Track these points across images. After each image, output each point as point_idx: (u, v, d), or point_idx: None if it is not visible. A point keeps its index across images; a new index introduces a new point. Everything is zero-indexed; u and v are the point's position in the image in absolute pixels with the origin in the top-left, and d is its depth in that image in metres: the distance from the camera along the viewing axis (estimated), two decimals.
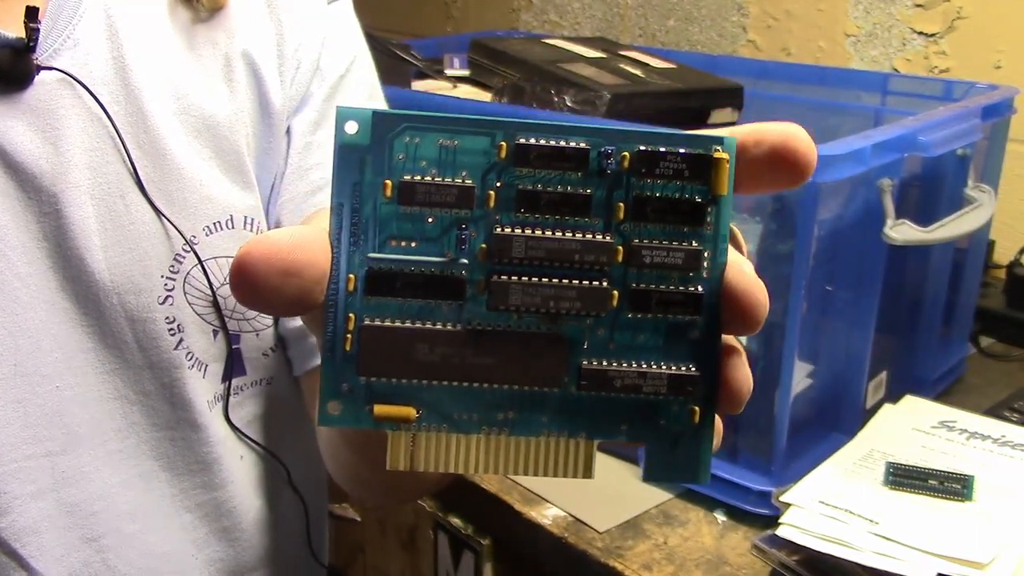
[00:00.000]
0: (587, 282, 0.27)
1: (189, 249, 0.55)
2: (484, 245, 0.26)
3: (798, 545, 0.63)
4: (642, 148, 0.26)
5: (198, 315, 0.56)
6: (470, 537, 0.80)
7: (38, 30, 0.51)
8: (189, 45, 0.56)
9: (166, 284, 0.55)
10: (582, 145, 0.26)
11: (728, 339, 0.28)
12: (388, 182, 0.26)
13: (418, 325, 0.27)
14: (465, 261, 0.27)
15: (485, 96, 1.00)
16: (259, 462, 0.63)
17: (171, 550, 0.59)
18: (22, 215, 0.52)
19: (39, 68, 0.51)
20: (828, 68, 1.13)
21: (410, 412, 0.27)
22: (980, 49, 1.11)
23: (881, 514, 0.63)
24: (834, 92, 1.00)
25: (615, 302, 0.27)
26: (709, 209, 0.27)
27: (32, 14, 0.51)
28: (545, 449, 0.28)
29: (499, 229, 0.26)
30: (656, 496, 0.74)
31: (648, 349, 0.27)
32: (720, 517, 0.71)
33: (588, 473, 0.28)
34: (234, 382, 0.60)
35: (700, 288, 0.27)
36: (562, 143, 0.26)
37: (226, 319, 0.58)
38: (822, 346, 0.75)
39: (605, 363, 0.27)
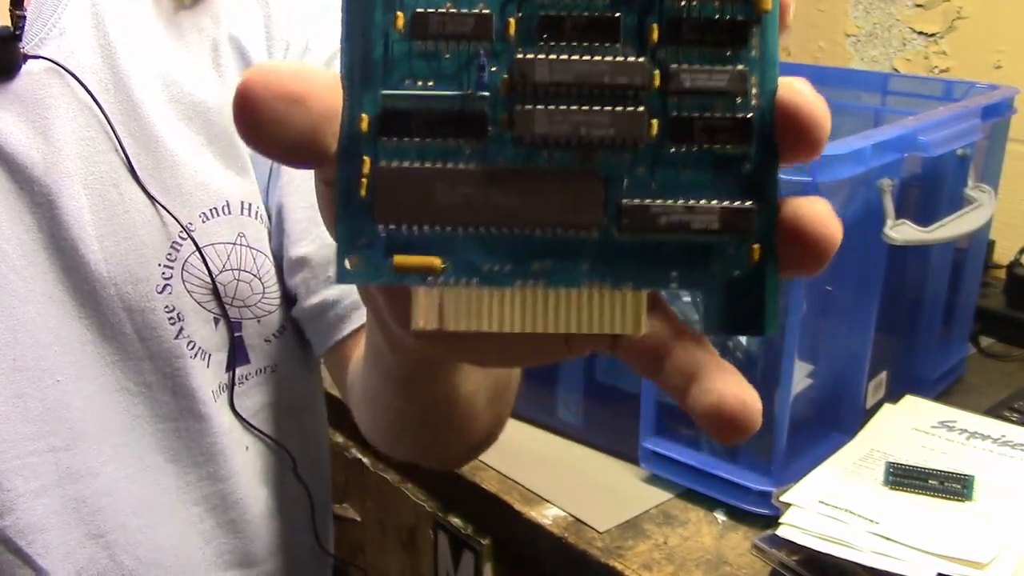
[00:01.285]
0: (621, 107, 0.24)
1: (186, 236, 0.55)
2: (506, 76, 0.24)
3: (798, 545, 0.63)
4: None
5: (198, 303, 0.56)
6: (470, 537, 0.80)
7: (24, 18, 0.50)
8: (176, 33, 0.56)
9: (164, 273, 0.55)
10: None
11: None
12: (400, 14, 0.24)
13: (439, 166, 0.24)
14: (486, 94, 0.24)
15: None
16: (265, 452, 0.63)
17: (178, 544, 0.59)
18: (15, 206, 0.51)
19: (26, 57, 0.51)
20: (828, 68, 1.13)
21: (434, 261, 0.24)
22: (980, 49, 1.11)
23: (881, 514, 0.63)
24: (834, 92, 1.00)
25: (654, 131, 0.24)
26: (753, 29, 0.24)
27: (18, 2, 0.50)
28: (588, 302, 0.25)
29: (522, 55, 0.24)
30: (656, 496, 0.74)
31: (695, 186, 0.24)
32: (720, 517, 0.71)
33: (637, 327, 0.25)
34: (238, 371, 0.59)
35: (749, 114, 0.24)
36: None
37: (227, 307, 0.57)
38: (822, 346, 0.75)
39: (648, 201, 0.24)
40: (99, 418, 0.55)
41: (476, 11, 0.24)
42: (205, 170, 0.56)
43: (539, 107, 0.24)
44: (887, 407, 0.79)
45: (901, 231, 0.70)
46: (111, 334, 0.54)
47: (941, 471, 0.67)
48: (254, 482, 0.62)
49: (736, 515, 0.71)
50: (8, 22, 0.50)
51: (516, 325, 0.25)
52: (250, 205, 0.57)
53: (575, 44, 0.24)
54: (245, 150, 0.57)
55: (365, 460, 0.94)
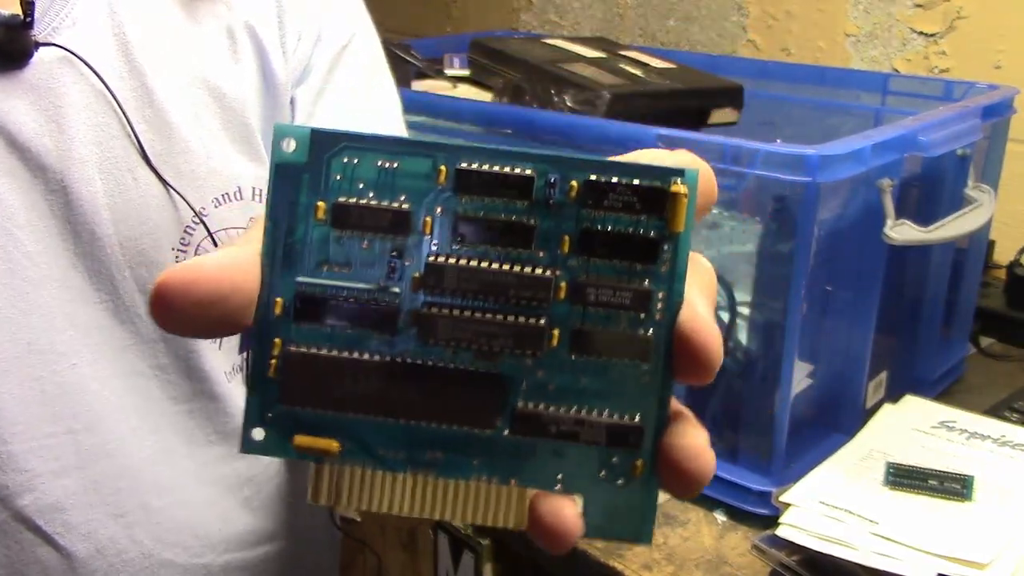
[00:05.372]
0: (523, 319, 0.25)
1: (199, 221, 0.56)
2: (417, 274, 0.25)
3: (798, 545, 0.63)
4: (591, 178, 0.25)
5: None
6: (470, 537, 0.80)
7: (33, 4, 0.51)
8: (192, 19, 0.57)
9: (177, 256, 0.55)
10: (527, 172, 0.25)
11: (678, 407, 0.26)
12: (321, 204, 0.25)
13: (345, 355, 0.25)
14: (397, 290, 0.25)
15: (485, 96, 1.00)
16: None
17: (197, 523, 0.60)
18: (28, 194, 0.52)
19: (37, 44, 0.51)
20: (828, 68, 1.13)
21: (332, 445, 0.26)
22: (980, 49, 1.11)
23: (881, 514, 0.63)
24: (834, 92, 1.00)
25: (555, 342, 0.25)
26: (664, 246, 0.25)
27: None
28: (475, 494, 0.26)
29: (433, 258, 0.25)
30: None
31: (591, 393, 0.25)
32: (720, 517, 0.71)
33: (521, 522, 0.26)
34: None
35: (649, 332, 0.25)
36: (506, 169, 0.25)
37: None
38: (822, 346, 0.75)
39: (542, 406, 0.25)
40: (115, 401, 0.56)
41: (395, 207, 0.25)
42: (218, 156, 0.56)
43: (443, 312, 0.25)
44: (887, 407, 0.79)
45: (901, 231, 0.70)
46: (126, 317, 0.55)
47: (941, 471, 0.67)
48: (270, 460, 0.62)
49: (736, 515, 0.71)
50: (19, 10, 0.50)
51: (405, 509, 0.26)
52: (261, 191, 0.58)
53: (489, 247, 0.25)
54: (259, 136, 0.58)
55: None
